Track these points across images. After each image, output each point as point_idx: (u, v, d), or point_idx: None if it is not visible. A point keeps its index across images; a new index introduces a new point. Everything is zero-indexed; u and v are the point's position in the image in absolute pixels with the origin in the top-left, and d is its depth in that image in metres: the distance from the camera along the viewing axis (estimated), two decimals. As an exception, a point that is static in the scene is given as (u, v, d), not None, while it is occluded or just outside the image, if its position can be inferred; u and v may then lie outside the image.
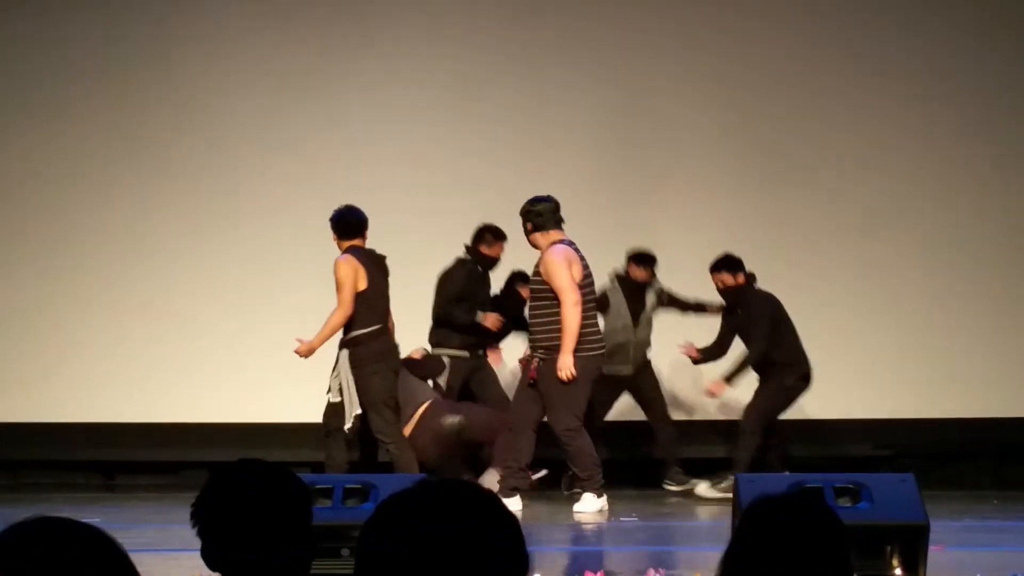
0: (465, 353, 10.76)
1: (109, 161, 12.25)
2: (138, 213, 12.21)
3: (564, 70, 12.10)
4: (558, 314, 9.53)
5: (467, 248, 10.76)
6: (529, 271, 10.04)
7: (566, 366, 9.49)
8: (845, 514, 3.09)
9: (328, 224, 10.11)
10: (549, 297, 9.58)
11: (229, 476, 3.10)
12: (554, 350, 9.56)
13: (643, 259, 10.99)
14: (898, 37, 12.04)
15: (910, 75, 12.03)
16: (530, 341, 9.89)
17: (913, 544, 6.07)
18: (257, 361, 11.62)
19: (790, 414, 10.88)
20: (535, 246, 9.78)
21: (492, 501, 1.99)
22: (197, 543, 3.09)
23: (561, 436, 9.67)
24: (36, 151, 12.32)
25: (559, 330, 9.52)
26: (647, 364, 11.08)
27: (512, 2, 12.29)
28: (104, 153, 12.26)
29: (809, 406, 11.26)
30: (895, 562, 6.03)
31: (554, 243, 9.64)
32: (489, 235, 10.77)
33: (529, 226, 9.73)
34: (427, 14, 12.22)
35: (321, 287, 10.34)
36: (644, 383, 11.05)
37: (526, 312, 10.15)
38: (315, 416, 10.38)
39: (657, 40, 12.11)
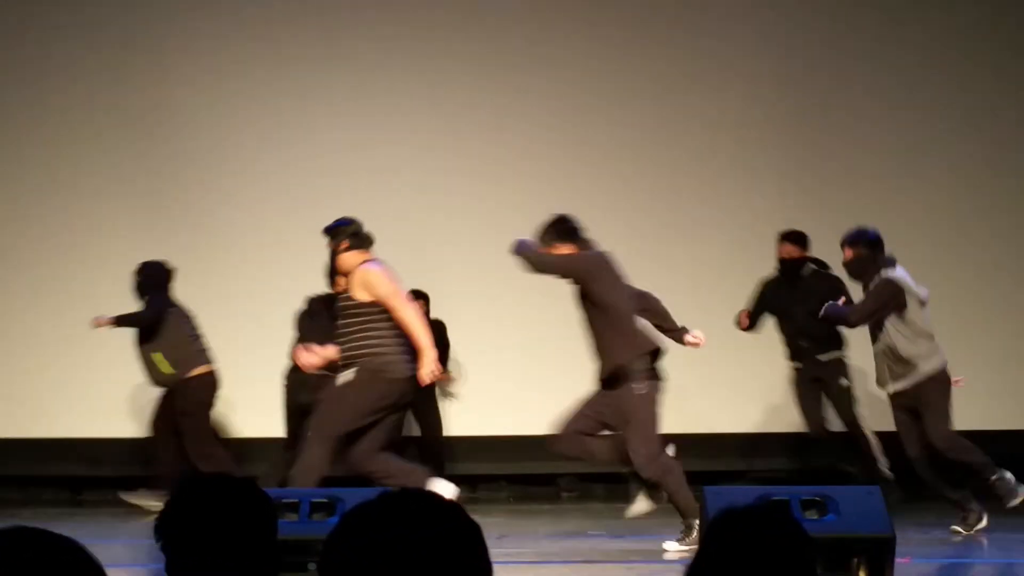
0: None
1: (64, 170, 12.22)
2: (92, 215, 12.19)
3: (567, 72, 12.16)
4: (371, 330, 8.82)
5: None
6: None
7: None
8: (812, 526, 3.09)
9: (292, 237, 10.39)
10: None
11: (193, 490, 3.09)
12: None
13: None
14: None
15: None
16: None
17: (879, 556, 6.09)
18: (225, 376, 11.60)
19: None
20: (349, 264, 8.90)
21: (454, 511, 2.00)
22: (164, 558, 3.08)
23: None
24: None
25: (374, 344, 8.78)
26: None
27: (515, 5, 12.32)
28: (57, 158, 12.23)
29: (776, 420, 11.26)
30: (862, 574, 6.05)
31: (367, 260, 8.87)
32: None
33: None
34: (428, 18, 12.29)
35: (283, 305, 10.36)
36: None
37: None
38: (276, 431, 10.41)
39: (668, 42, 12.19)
